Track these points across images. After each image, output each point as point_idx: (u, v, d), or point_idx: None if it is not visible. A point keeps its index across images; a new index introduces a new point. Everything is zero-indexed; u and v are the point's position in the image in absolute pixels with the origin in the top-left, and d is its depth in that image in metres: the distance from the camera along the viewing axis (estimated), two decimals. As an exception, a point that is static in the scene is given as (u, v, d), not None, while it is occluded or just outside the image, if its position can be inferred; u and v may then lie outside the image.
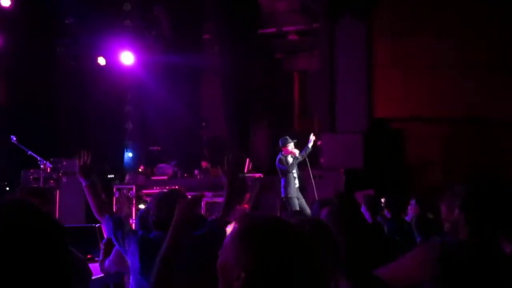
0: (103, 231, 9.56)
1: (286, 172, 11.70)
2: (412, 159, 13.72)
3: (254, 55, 16.40)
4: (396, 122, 14.12)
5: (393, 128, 14.12)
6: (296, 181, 11.83)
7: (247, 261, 1.79)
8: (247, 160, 14.12)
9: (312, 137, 12.17)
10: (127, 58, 15.09)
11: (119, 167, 15.27)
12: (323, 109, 14.70)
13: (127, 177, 14.17)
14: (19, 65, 14.80)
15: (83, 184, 4.28)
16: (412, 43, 13.81)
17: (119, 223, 4.09)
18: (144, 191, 13.51)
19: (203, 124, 16.18)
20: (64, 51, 15.33)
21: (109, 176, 14.41)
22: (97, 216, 4.27)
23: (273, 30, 16.88)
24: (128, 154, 15.25)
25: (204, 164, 14.28)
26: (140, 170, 14.83)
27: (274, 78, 17.20)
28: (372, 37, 14.24)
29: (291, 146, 11.92)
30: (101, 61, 15.39)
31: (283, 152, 11.85)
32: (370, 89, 14.16)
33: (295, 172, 11.82)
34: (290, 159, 11.82)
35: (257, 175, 13.81)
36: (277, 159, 11.87)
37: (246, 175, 13.34)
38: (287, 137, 12.08)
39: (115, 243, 4.24)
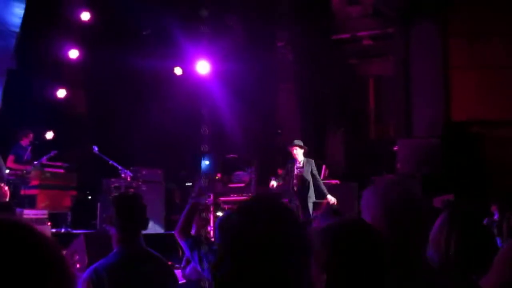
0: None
1: None
2: (492, 163, 13.39)
3: (328, 61, 16.33)
4: (474, 125, 13.85)
5: (471, 132, 13.82)
6: None
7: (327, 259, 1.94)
8: (323, 166, 14.06)
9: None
10: (203, 67, 15.18)
11: (197, 174, 14.94)
12: (398, 114, 14.60)
13: (204, 185, 14.21)
14: (98, 77, 15.20)
15: (193, 196, 4.42)
16: (488, 45, 13.53)
17: (195, 244, 4.15)
18: (222, 199, 13.64)
19: (279, 131, 16.30)
20: (141, 62, 15.41)
21: (186, 183, 14.75)
22: (176, 233, 4.31)
23: (346, 35, 16.79)
24: (205, 162, 15.37)
25: (280, 171, 13.98)
26: (217, 177, 14.78)
27: (348, 84, 17.05)
28: (447, 40, 14.06)
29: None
30: (178, 71, 15.78)
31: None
32: (447, 93, 13.97)
33: None
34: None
35: (334, 181, 13.73)
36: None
37: (323, 181, 13.28)
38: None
39: (193, 262, 4.29)
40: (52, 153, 12.66)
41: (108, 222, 4.00)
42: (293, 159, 12.18)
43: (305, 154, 12.25)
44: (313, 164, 12.28)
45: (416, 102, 14.06)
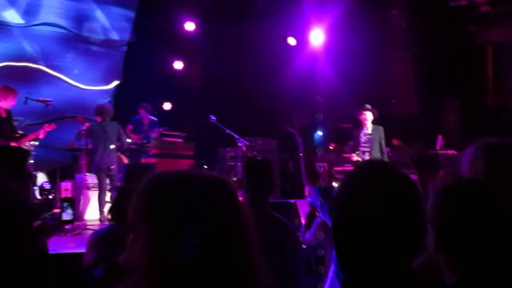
0: (298, 208, 9.96)
1: None
2: None
3: (444, 29, 15.78)
4: None
5: None
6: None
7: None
8: (440, 136, 13.71)
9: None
10: (316, 37, 15.10)
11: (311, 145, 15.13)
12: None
13: (318, 155, 14.27)
14: (213, 48, 15.32)
15: (301, 143, 4.11)
16: None
17: (327, 194, 3.91)
18: (336, 168, 13.59)
19: (393, 100, 16.05)
20: (255, 33, 15.63)
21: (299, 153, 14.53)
22: (306, 183, 4.08)
23: (464, 1, 16.19)
24: (318, 132, 15.34)
25: (394, 141, 14.03)
26: (331, 147, 14.88)
27: (466, 52, 16.43)
28: None
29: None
30: (291, 41, 15.69)
31: None
32: None
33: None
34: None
35: (450, 151, 13.33)
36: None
37: (439, 152, 12.71)
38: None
39: (321, 214, 4.12)
40: (161, 129, 13.06)
41: (238, 185, 4.03)
42: (361, 126, 11.76)
43: (374, 121, 11.84)
44: (382, 132, 11.86)
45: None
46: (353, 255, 1.75)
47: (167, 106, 15.13)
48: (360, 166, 1.99)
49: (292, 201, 10.14)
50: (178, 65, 15.95)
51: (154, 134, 12.94)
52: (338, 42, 15.10)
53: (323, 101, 13.99)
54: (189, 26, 15.58)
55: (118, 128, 11.25)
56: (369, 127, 11.72)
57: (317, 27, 15.05)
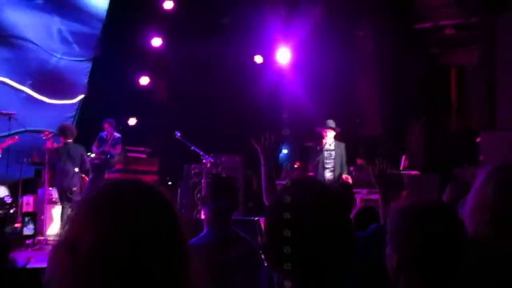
0: (262, 225, 9.91)
1: None
2: None
3: (410, 51, 16.05)
4: None
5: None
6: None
7: None
8: (403, 157, 13.82)
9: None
10: (283, 55, 15.16)
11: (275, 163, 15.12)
12: (482, 105, 14.25)
13: (282, 173, 14.31)
14: (179, 64, 15.27)
15: (263, 163, 4.20)
16: None
17: None
18: None
19: (357, 120, 16.01)
20: (222, 49, 15.60)
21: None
22: (266, 202, 4.00)
23: (429, 24, 16.39)
24: (283, 151, 15.36)
25: (359, 161, 14.12)
26: (295, 166, 14.80)
27: (430, 74, 16.68)
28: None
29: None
30: (258, 59, 15.79)
31: None
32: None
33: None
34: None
35: (413, 172, 13.41)
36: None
37: (403, 172, 12.83)
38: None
39: None
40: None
41: (201, 202, 4.28)
42: (322, 142, 11.81)
43: (336, 137, 11.90)
44: (344, 149, 11.93)
45: (501, 93, 13.59)
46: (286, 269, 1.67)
47: (132, 121, 14.95)
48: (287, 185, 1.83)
49: (256, 218, 10.05)
50: (144, 80, 15.79)
51: (116, 150, 12.92)
52: (305, 61, 15.15)
53: (288, 119, 14.09)
54: (156, 42, 15.53)
55: (82, 153, 11.35)
56: (331, 144, 11.75)
57: (284, 45, 15.13)
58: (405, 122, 16.45)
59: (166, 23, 15.39)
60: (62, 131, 11.20)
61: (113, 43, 14.63)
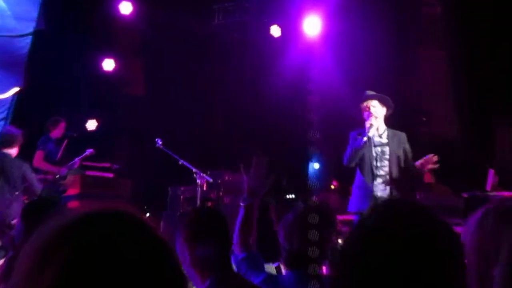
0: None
1: None
2: None
3: (495, 17, 12.58)
4: None
5: None
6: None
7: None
8: (492, 172, 10.47)
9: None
10: (311, 26, 12.22)
11: (302, 184, 13.13)
12: None
13: (314, 198, 11.75)
14: (159, 41, 13.28)
15: (242, 203, 3.78)
16: None
17: (253, 263, 3.65)
18: (340, 217, 10.15)
19: (423, 118, 13.23)
20: (223, 20, 13.45)
21: (288, 196, 12.25)
22: (234, 246, 3.65)
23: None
24: (314, 165, 13.85)
25: (427, 178, 10.78)
26: (332, 187, 13.41)
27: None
28: None
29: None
30: (275, 31, 13.34)
31: None
32: None
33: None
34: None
35: (507, 193, 9.85)
36: None
37: (490, 193, 9.89)
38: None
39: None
40: (88, 152, 11.12)
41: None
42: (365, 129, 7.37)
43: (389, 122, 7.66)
44: (406, 140, 7.52)
45: None
46: None
47: (91, 124, 12.84)
48: (371, 212, 1.67)
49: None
50: (108, 64, 13.42)
51: (72, 167, 10.83)
52: (341, 35, 12.38)
53: (319, 117, 11.46)
54: (125, 7, 12.93)
55: (23, 168, 9.53)
56: (382, 133, 7.44)
57: (312, 12, 12.24)
58: (493, 120, 13.31)
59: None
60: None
61: (64, 12, 12.67)
